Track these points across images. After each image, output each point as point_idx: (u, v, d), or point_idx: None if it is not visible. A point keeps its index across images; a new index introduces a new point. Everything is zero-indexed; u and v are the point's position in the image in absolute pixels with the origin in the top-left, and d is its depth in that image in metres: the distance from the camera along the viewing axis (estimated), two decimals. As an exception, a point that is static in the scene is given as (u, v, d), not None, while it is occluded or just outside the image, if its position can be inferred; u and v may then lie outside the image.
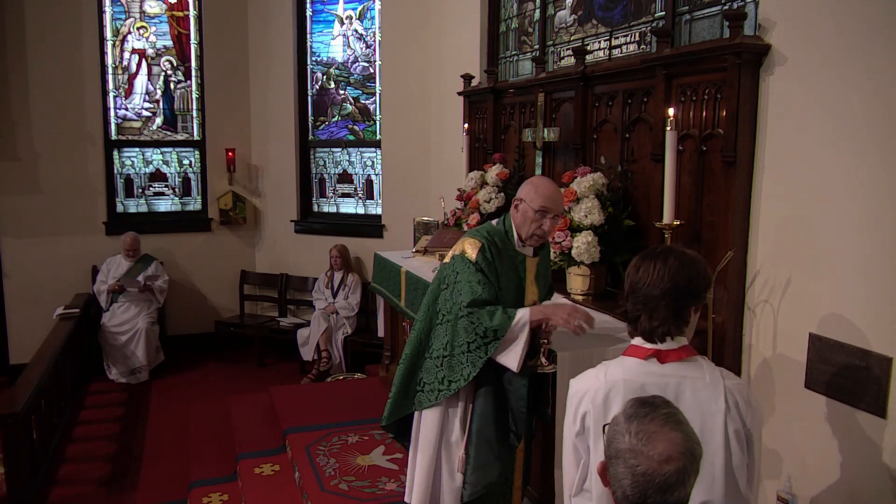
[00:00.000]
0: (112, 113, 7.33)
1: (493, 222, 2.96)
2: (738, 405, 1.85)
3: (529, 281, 2.92)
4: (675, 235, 3.21)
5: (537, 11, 5.11)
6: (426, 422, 2.95)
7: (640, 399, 1.50)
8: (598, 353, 2.99)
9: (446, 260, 2.92)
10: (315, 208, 7.68)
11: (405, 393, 2.98)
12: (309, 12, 7.41)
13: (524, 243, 2.87)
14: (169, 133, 7.61)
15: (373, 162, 7.38)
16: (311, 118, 7.57)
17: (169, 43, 7.51)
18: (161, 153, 7.59)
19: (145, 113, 7.50)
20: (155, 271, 7.00)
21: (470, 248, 2.79)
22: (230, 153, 7.53)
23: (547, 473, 3.16)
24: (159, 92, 7.53)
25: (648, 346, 1.92)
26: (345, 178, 7.53)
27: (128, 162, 7.47)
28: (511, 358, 2.70)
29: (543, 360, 2.83)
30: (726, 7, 3.33)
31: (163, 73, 7.52)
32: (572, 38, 4.68)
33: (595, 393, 1.89)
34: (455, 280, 2.80)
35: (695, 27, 3.58)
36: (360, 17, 7.29)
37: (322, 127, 7.58)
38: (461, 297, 2.75)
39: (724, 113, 3.01)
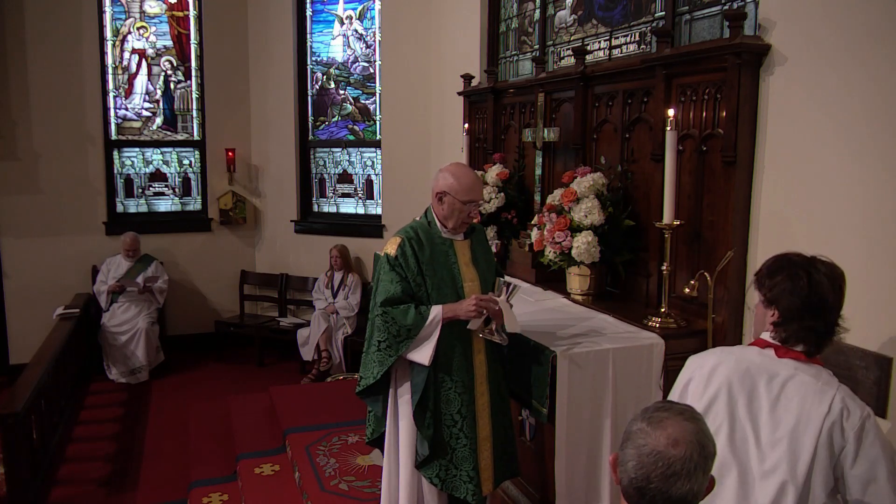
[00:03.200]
0: (112, 113, 7.33)
1: (417, 217, 3.05)
2: (843, 415, 1.85)
3: (463, 263, 2.96)
4: (675, 235, 3.21)
5: (537, 11, 5.11)
6: (405, 431, 2.92)
7: (662, 400, 1.55)
8: (598, 353, 2.99)
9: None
10: (315, 208, 7.67)
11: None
12: (309, 12, 7.41)
13: (453, 231, 2.95)
14: (169, 133, 7.61)
15: (373, 162, 7.38)
16: (311, 118, 7.57)
17: (169, 43, 7.51)
18: (161, 153, 7.59)
19: (145, 113, 7.50)
20: (155, 271, 7.00)
21: (390, 245, 2.88)
22: (230, 153, 7.53)
23: (547, 473, 3.16)
24: (159, 92, 7.53)
25: (772, 341, 1.99)
26: (345, 178, 7.53)
27: (128, 162, 7.47)
28: (423, 355, 2.79)
29: (494, 328, 2.89)
30: (726, 7, 3.33)
31: (163, 73, 7.52)
32: (572, 38, 4.68)
33: (704, 363, 2.04)
34: (376, 279, 2.89)
35: (695, 27, 3.58)
36: (360, 17, 7.29)
37: (322, 127, 7.58)
38: (377, 296, 2.83)
39: (724, 113, 3.01)
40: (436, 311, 2.78)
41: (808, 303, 1.91)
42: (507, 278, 3.08)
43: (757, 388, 1.93)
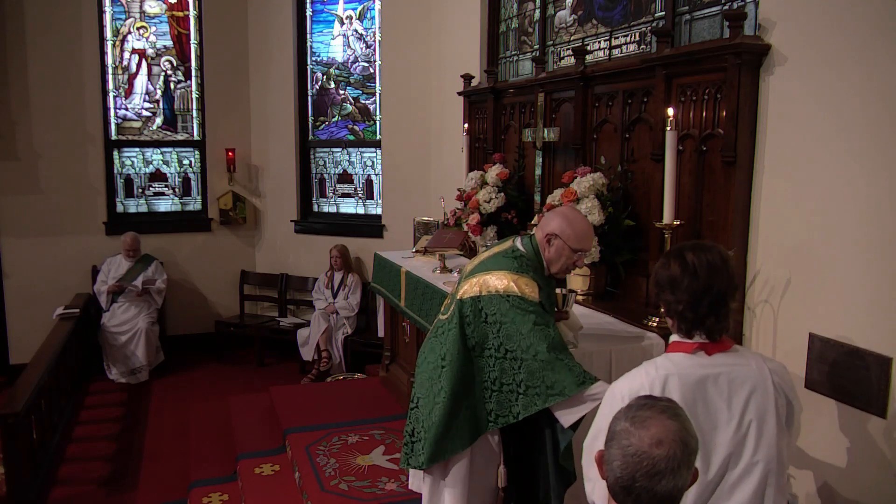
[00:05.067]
0: (112, 113, 7.33)
1: (520, 247, 2.81)
2: (781, 386, 1.96)
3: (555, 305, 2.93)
4: (675, 235, 3.21)
5: (537, 11, 5.11)
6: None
7: (644, 396, 1.53)
8: (598, 353, 2.99)
9: (482, 292, 2.71)
10: (315, 208, 7.68)
11: (446, 434, 2.74)
12: (309, 12, 7.42)
13: (554, 275, 2.83)
14: (169, 133, 7.61)
15: (373, 162, 7.38)
16: (311, 118, 7.57)
17: (169, 43, 7.51)
18: (161, 153, 7.59)
19: (145, 113, 7.50)
20: (155, 271, 7.00)
21: (529, 289, 2.66)
22: (230, 153, 7.53)
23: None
24: (159, 92, 7.53)
25: (690, 340, 1.96)
26: (345, 178, 7.53)
27: (128, 162, 7.47)
28: (568, 417, 2.59)
29: (571, 337, 2.93)
30: (726, 7, 3.33)
31: (163, 73, 7.52)
32: (572, 38, 4.68)
33: (651, 386, 1.88)
34: (505, 321, 2.64)
35: (695, 27, 3.58)
36: (360, 17, 7.29)
37: (322, 127, 7.58)
38: (530, 340, 2.58)
39: (724, 113, 3.01)
40: (601, 388, 2.48)
41: (673, 285, 1.93)
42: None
43: (708, 395, 1.91)
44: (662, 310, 2.03)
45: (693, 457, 1.42)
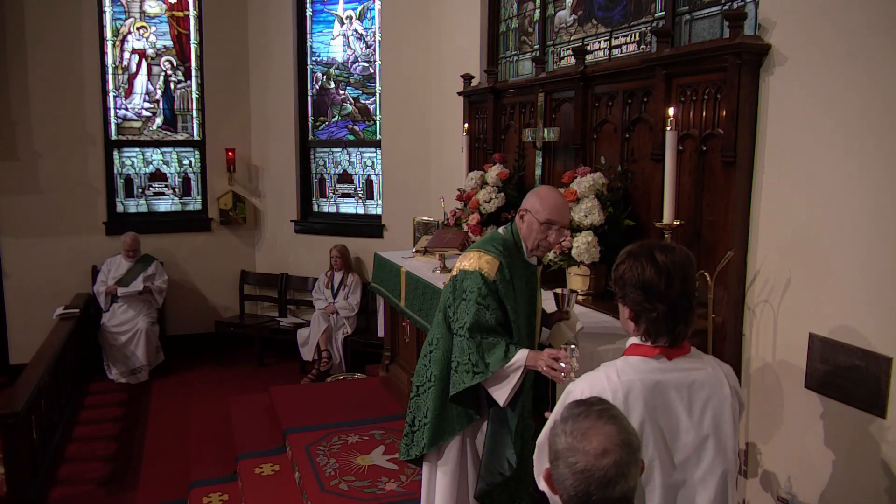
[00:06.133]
0: (112, 113, 7.33)
1: (500, 231, 2.89)
2: (735, 388, 1.97)
3: (537, 290, 2.92)
4: (675, 235, 3.21)
5: (537, 11, 5.11)
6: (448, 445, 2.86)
7: (576, 401, 1.53)
8: (600, 353, 2.99)
9: (454, 272, 2.82)
10: (315, 208, 7.68)
11: (442, 416, 2.82)
12: (309, 12, 7.42)
13: (531, 253, 2.84)
14: (169, 133, 7.61)
15: (373, 162, 7.38)
16: (311, 118, 7.57)
17: (169, 43, 7.51)
18: (161, 153, 7.59)
19: (145, 113, 7.50)
20: (154, 271, 7.00)
21: (488, 266, 2.69)
22: (230, 153, 7.53)
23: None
24: (159, 92, 7.53)
25: (651, 344, 1.92)
26: (345, 178, 7.54)
27: (128, 162, 7.47)
28: (500, 394, 2.66)
29: (570, 338, 2.92)
30: (726, 7, 3.33)
31: (163, 73, 7.52)
32: (572, 38, 4.69)
33: (614, 393, 1.83)
34: (463, 297, 2.71)
35: (695, 27, 3.58)
36: (360, 17, 7.29)
37: (322, 127, 7.58)
38: (465, 316, 2.66)
39: (724, 113, 3.01)
40: (520, 357, 2.60)
41: (649, 290, 1.86)
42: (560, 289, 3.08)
43: (669, 400, 1.89)
44: (627, 312, 1.95)
45: (638, 452, 1.44)
